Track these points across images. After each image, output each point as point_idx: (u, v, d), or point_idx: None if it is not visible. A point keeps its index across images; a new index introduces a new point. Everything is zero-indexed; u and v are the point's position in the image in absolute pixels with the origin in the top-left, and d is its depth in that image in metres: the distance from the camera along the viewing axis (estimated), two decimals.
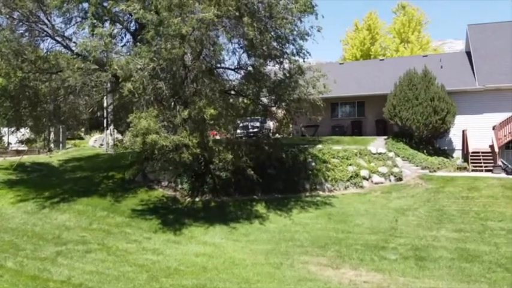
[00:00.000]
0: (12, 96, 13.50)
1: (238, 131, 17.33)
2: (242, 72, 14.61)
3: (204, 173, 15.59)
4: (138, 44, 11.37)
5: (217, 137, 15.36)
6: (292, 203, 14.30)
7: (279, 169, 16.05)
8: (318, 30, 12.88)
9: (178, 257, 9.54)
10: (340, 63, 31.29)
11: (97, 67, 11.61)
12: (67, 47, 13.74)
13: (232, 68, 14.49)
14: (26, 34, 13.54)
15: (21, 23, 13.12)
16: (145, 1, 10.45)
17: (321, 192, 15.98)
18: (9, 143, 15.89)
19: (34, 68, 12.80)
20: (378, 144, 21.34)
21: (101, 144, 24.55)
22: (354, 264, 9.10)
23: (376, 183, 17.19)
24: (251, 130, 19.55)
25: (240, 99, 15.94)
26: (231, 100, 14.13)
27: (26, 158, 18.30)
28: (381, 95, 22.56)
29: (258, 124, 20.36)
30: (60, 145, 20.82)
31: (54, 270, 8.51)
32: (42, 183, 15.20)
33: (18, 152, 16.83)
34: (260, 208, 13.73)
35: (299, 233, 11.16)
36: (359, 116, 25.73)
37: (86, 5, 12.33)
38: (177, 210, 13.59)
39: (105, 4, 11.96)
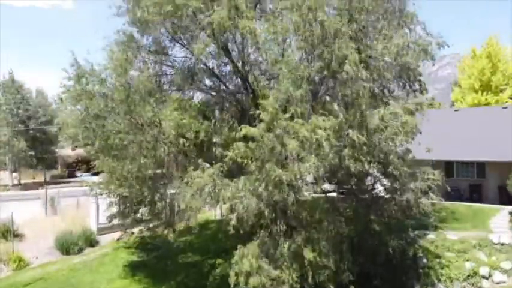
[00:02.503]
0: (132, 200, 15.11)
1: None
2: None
3: None
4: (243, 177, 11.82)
5: None
6: None
7: (385, 268, 15.24)
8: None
9: None
10: (456, 110, 28.63)
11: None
12: None
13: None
14: None
15: None
16: (247, 147, 10.83)
17: None
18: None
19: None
20: (500, 221, 19.06)
21: None
22: None
23: (497, 283, 15.34)
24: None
25: None
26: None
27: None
28: (505, 163, 20.15)
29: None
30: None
31: None
32: (159, 270, 16.74)
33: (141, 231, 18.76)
34: None
35: None
36: (478, 178, 23.20)
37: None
38: None
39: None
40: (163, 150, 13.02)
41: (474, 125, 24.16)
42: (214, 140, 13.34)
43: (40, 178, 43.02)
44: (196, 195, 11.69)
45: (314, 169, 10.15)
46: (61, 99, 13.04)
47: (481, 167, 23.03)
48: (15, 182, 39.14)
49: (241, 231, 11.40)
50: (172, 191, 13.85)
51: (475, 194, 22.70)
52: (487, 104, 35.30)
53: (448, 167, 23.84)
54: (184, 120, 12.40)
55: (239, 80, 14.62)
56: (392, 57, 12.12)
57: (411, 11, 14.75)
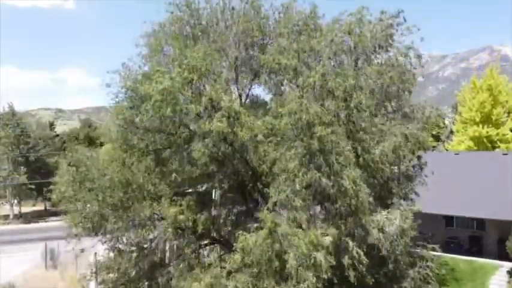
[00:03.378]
0: None
1: None
2: None
3: None
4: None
5: None
6: None
7: None
8: None
9: None
10: (456, 154, 28.58)
11: None
12: None
13: None
14: None
15: None
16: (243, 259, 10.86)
17: None
18: None
19: None
20: (499, 281, 19.12)
21: None
22: None
23: None
24: None
25: None
26: None
27: None
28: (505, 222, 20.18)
29: None
30: None
31: None
32: None
33: None
34: None
35: None
36: (478, 229, 23.20)
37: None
38: None
39: None
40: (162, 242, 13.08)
41: (474, 174, 24.11)
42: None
43: (40, 206, 43.30)
44: None
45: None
46: (59, 198, 13.12)
47: (480, 219, 23.01)
48: (16, 212, 39.30)
49: None
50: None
51: (475, 247, 22.69)
52: (488, 136, 35.32)
53: (448, 217, 23.85)
54: (181, 216, 12.41)
55: (239, 162, 14.57)
56: (390, 156, 12.14)
57: (413, 74, 14.94)
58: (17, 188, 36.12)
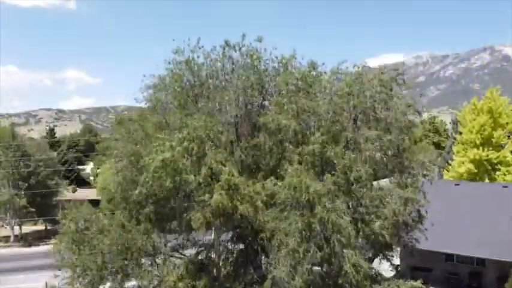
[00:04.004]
0: None
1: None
2: None
3: None
4: None
5: None
6: None
7: None
8: None
9: None
10: (456, 184, 28.55)
11: None
12: None
13: None
14: None
15: None
16: None
17: None
18: None
19: None
20: None
21: None
22: None
23: None
24: None
25: None
26: None
27: None
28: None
29: None
30: None
31: None
32: None
33: None
34: None
35: None
36: (478, 265, 23.16)
37: None
38: None
39: None
40: None
41: (473, 209, 24.07)
42: None
43: (41, 226, 43.22)
44: None
45: None
46: (59, 264, 13.22)
47: None
48: (16, 233, 39.16)
49: None
50: None
51: (475, 283, 22.68)
52: (489, 159, 35.25)
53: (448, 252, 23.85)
54: (180, 284, 12.46)
55: (240, 220, 14.59)
56: (389, 224, 12.19)
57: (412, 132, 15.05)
58: (17, 211, 36.20)
